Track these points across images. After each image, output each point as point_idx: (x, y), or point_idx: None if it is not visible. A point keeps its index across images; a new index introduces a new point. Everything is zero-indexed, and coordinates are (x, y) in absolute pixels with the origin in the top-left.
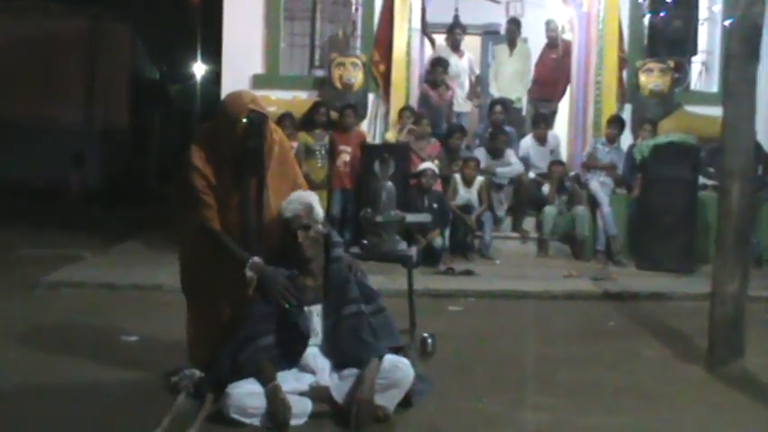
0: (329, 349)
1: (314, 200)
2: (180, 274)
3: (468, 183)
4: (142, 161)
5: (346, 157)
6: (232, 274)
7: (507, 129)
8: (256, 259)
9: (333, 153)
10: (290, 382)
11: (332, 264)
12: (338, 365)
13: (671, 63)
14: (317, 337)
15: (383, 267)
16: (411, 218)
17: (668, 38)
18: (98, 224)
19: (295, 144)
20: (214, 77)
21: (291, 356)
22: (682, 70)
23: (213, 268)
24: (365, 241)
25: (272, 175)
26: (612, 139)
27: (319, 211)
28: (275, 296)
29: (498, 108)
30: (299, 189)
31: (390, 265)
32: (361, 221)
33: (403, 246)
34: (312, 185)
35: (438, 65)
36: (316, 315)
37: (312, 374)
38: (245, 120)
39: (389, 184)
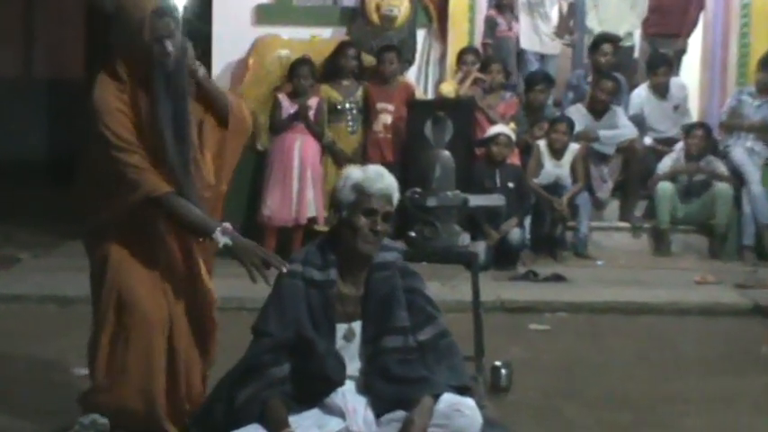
0: (365, 384)
1: (393, 181)
2: (92, 277)
3: (557, 153)
4: None
5: (387, 119)
6: (184, 263)
7: (614, 76)
8: (227, 224)
9: (368, 113)
10: (310, 429)
11: (376, 270)
12: (377, 406)
13: None
14: (353, 366)
15: (437, 270)
16: (477, 201)
17: None
18: (40, 211)
19: (315, 101)
20: (202, 12)
21: (314, 393)
22: None
23: (152, 260)
24: (412, 234)
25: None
26: (765, 89)
27: (397, 196)
28: (247, 269)
29: (604, 48)
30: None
31: (447, 268)
32: (406, 206)
33: (465, 240)
34: (339, 159)
35: None
36: (355, 336)
37: (340, 418)
38: (152, 11)
39: (446, 154)
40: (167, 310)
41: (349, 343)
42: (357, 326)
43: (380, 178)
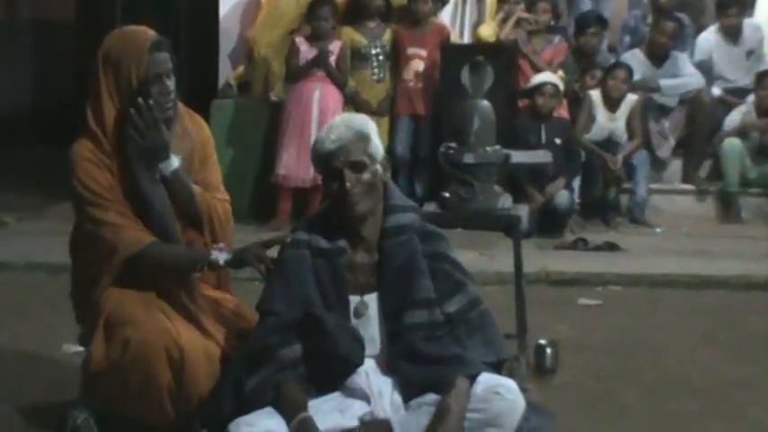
0: (391, 364)
1: (370, 127)
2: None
3: (612, 105)
4: None
5: (418, 66)
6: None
7: (677, 17)
8: (217, 245)
9: (397, 59)
10: (331, 414)
11: (390, 236)
12: (405, 389)
13: None
14: (373, 344)
15: (474, 237)
16: (520, 158)
17: None
18: (26, 170)
19: (336, 46)
20: None
21: (332, 375)
22: None
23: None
24: (447, 194)
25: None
26: None
27: (377, 145)
28: (255, 266)
29: None
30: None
31: (486, 235)
32: (440, 164)
33: (506, 202)
34: (363, 110)
35: None
36: (371, 310)
37: (365, 401)
38: (150, 45)
39: (486, 105)
40: (173, 337)
41: (360, 318)
42: (371, 299)
43: (329, 131)
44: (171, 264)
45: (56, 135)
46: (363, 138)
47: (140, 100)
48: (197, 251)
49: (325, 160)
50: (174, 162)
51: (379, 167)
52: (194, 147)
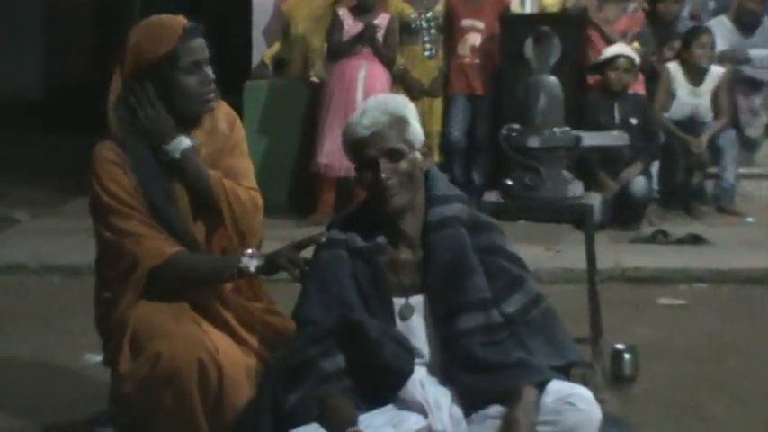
0: (446, 374)
1: (408, 109)
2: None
3: (694, 78)
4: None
5: (475, 39)
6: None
7: None
8: (247, 251)
9: (451, 32)
10: (384, 428)
11: (433, 230)
12: (465, 400)
13: None
14: (421, 351)
15: (541, 230)
16: (591, 140)
17: None
18: (39, 162)
19: (383, 18)
20: None
21: (381, 386)
22: None
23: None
24: (509, 182)
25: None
26: None
27: (417, 129)
28: (288, 270)
29: None
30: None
31: (553, 227)
32: (501, 147)
33: (577, 190)
34: (413, 90)
35: None
36: (417, 313)
37: (421, 414)
38: (182, 31)
39: (552, 80)
40: (208, 351)
41: (406, 322)
42: (417, 301)
43: (362, 115)
44: (198, 273)
45: (72, 120)
46: (400, 122)
47: (132, 82)
48: (225, 259)
49: (357, 148)
50: (183, 142)
51: (418, 155)
52: (223, 147)
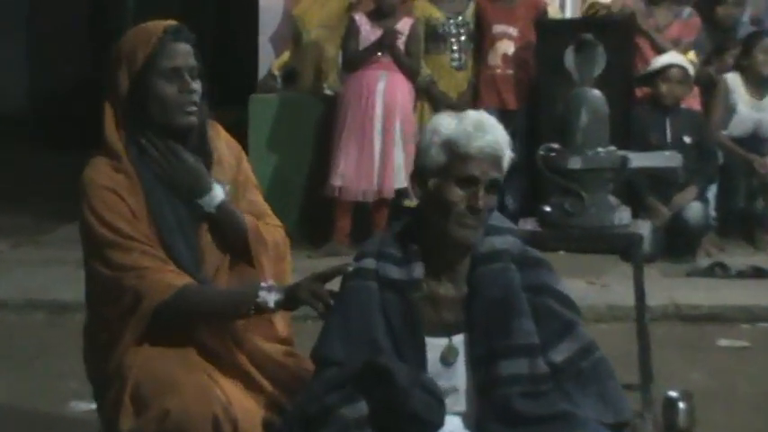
0: (481, 425)
1: (502, 133)
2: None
3: (757, 89)
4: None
5: (508, 47)
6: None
7: None
8: (264, 283)
9: (481, 40)
10: None
11: (482, 263)
12: None
13: None
14: (459, 398)
15: (583, 262)
16: (640, 161)
17: None
18: (22, 183)
19: (406, 24)
20: None
21: None
22: None
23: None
24: (547, 208)
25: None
26: None
27: (509, 156)
28: (311, 305)
29: None
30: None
31: (597, 258)
32: (539, 169)
33: (624, 217)
34: (439, 105)
35: None
36: (459, 355)
37: None
38: (163, 32)
39: (596, 94)
40: (222, 405)
41: (449, 366)
42: (460, 341)
43: (482, 130)
44: (210, 309)
45: (59, 135)
46: (505, 158)
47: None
48: (240, 292)
49: (462, 160)
50: (219, 193)
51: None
52: (234, 180)
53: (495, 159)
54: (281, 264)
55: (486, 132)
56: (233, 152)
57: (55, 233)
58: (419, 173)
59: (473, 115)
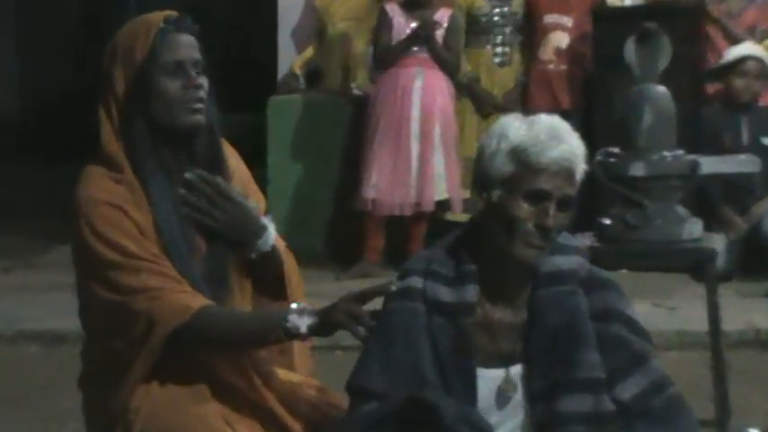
0: None
1: (578, 143)
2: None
3: None
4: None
5: (561, 40)
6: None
7: None
8: (294, 305)
9: (531, 32)
10: None
11: (544, 286)
12: None
13: None
14: None
15: (648, 281)
16: (712, 167)
17: None
18: (12, 199)
19: (444, 14)
20: None
21: None
22: None
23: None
24: (606, 221)
25: None
26: None
27: (581, 170)
28: (350, 329)
29: None
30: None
31: (664, 277)
32: (596, 177)
33: (694, 231)
34: (484, 105)
35: None
36: (516, 389)
37: None
38: (164, 23)
39: (661, 91)
40: None
41: (506, 402)
42: (518, 373)
43: (557, 138)
44: (233, 336)
45: (53, 146)
46: (578, 170)
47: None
48: (267, 315)
49: (533, 171)
50: (272, 231)
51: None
52: (246, 187)
53: (570, 173)
54: (300, 291)
55: (562, 141)
56: (230, 152)
57: (49, 255)
58: (480, 182)
59: (546, 120)
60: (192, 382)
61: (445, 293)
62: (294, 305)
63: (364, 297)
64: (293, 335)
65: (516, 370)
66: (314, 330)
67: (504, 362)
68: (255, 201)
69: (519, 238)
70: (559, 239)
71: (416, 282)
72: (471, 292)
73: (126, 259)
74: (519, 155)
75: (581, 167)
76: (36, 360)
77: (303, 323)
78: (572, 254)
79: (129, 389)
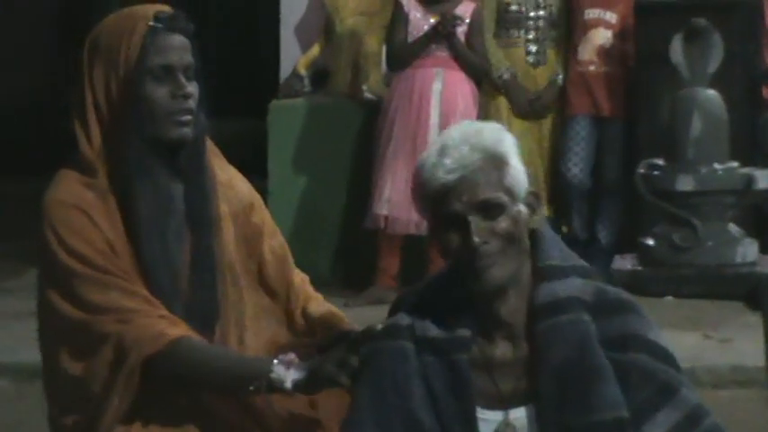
0: None
1: (507, 142)
2: None
3: None
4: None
5: (603, 38)
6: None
7: None
8: (283, 356)
9: (570, 29)
10: None
11: (544, 316)
12: None
13: None
14: None
15: (697, 309)
16: None
17: None
18: None
19: (467, 8)
20: None
21: None
22: None
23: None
24: (650, 242)
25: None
26: None
27: (520, 172)
28: (329, 377)
29: None
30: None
31: (716, 305)
32: (639, 192)
33: (749, 252)
34: (521, 105)
35: None
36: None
37: None
38: (154, 20)
39: (712, 96)
40: None
41: None
42: (519, 416)
43: (441, 152)
44: (209, 377)
45: (22, 156)
46: (498, 162)
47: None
48: (251, 361)
49: (436, 200)
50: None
51: (522, 208)
52: (244, 208)
53: (476, 177)
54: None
55: (446, 155)
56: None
57: (21, 278)
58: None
59: (443, 135)
60: (180, 419)
61: (433, 329)
62: (282, 356)
63: (355, 346)
64: (276, 388)
65: (518, 413)
66: (300, 387)
67: (504, 404)
68: (260, 218)
69: (468, 269)
70: (558, 261)
71: (403, 318)
72: (463, 326)
73: (92, 272)
74: (421, 185)
75: (499, 166)
76: (6, 396)
77: (289, 377)
78: (570, 276)
79: (108, 423)
